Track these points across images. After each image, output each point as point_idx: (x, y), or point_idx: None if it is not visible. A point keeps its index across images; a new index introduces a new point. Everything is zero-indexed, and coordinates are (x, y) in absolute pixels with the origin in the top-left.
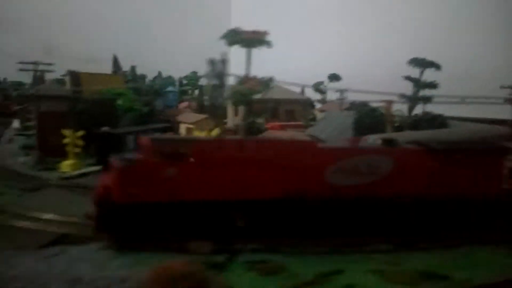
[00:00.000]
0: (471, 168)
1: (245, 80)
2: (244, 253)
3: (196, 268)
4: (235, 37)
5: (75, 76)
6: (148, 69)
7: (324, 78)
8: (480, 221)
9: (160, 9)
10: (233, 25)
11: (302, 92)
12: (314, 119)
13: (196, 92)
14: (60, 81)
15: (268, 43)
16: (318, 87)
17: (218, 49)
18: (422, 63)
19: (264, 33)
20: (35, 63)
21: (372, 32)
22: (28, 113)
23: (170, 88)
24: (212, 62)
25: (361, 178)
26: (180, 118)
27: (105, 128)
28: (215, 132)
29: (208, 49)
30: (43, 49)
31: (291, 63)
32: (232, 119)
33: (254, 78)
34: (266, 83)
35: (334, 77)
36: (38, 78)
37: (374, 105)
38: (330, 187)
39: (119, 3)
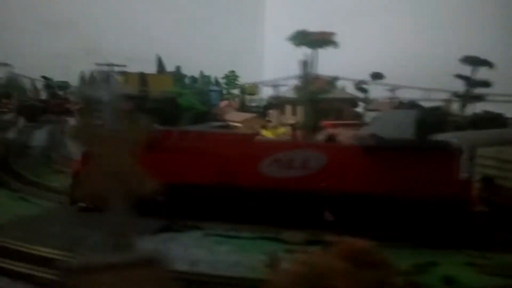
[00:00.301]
0: (413, 167)
1: (313, 79)
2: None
3: (375, 247)
4: (303, 38)
5: (142, 77)
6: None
7: (365, 76)
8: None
9: (192, 9)
10: (268, 24)
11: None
12: (361, 118)
13: (236, 91)
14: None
15: (335, 43)
16: (360, 86)
17: (252, 48)
18: (474, 61)
19: (331, 34)
20: (109, 64)
21: (416, 30)
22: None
23: (213, 87)
24: (304, 64)
25: (294, 171)
26: (227, 117)
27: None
28: (282, 131)
29: (242, 49)
30: (85, 49)
31: (331, 60)
32: (278, 118)
33: (322, 78)
34: (332, 82)
35: (377, 76)
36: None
37: (425, 104)
38: (264, 177)
39: (154, 4)
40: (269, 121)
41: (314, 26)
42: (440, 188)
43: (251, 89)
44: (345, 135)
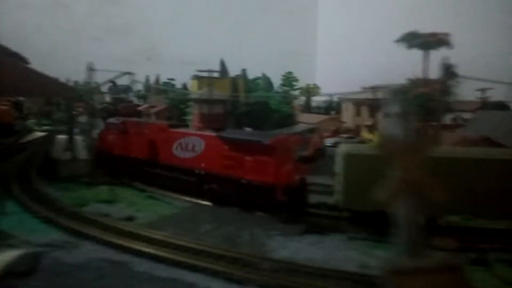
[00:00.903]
0: (249, 156)
1: (425, 82)
2: (492, 253)
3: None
4: (414, 39)
5: (234, 82)
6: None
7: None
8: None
9: (244, 12)
10: (320, 24)
11: None
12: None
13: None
14: (166, 84)
15: (448, 44)
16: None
17: (304, 50)
18: None
19: (446, 34)
20: (209, 71)
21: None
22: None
23: (276, 89)
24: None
25: (188, 153)
26: (301, 118)
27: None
28: (373, 136)
29: (294, 50)
30: (146, 54)
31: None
32: (353, 119)
33: (436, 80)
34: (448, 84)
35: (450, 75)
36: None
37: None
38: (174, 157)
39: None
40: (342, 122)
41: (368, 27)
42: (261, 174)
43: (314, 90)
44: (451, 138)
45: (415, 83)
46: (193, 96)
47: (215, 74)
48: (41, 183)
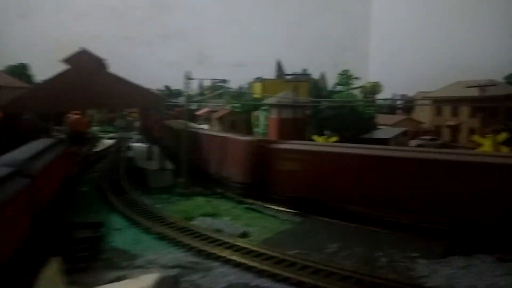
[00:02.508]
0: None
1: None
2: None
3: None
4: None
5: (315, 85)
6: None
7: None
8: None
9: (293, 10)
10: (373, 23)
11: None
12: None
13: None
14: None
15: None
16: None
17: (355, 47)
18: None
19: None
20: (294, 74)
21: None
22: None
23: (339, 88)
24: None
25: None
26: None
27: (369, 135)
28: (503, 137)
29: (346, 46)
30: (196, 57)
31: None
32: (432, 119)
33: None
34: None
35: None
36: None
37: None
38: None
39: (258, 10)
40: (421, 122)
41: (423, 20)
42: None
43: (377, 88)
44: None
45: None
46: (269, 101)
47: (296, 78)
48: (136, 194)
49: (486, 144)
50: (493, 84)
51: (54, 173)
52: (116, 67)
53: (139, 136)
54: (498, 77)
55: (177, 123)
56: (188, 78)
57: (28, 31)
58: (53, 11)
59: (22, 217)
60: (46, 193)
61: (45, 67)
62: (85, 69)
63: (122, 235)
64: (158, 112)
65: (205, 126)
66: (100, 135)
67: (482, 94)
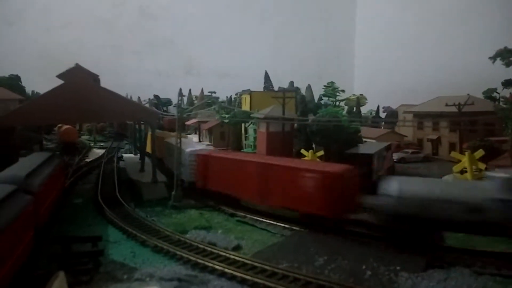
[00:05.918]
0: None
1: None
2: None
3: None
4: None
5: (302, 98)
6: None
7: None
8: None
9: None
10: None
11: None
12: None
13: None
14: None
15: None
16: (490, 94)
17: (343, 58)
18: None
19: None
20: (283, 90)
21: None
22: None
23: (325, 101)
24: None
25: None
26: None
27: (355, 149)
28: (479, 153)
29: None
30: (184, 67)
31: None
32: (414, 133)
33: None
34: None
35: (509, 83)
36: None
37: None
38: None
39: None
40: (403, 136)
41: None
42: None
43: (362, 101)
44: None
45: None
46: (259, 115)
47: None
48: (129, 207)
49: (464, 160)
50: (471, 102)
51: (52, 187)
52: (104, 75)
53: (129, 146)
54: (479, 92)
55: (168, 135)
56: (181, 94)
57: (15, 37)
58: (41, 18)
59: (26, 232)
60: (45, 207)
61: (32, 74)
62: (79, 84)
63: (119, 248)
64: (150, 126)
65: (194, 137)
66: (91, 145)
67: (459, 111)
